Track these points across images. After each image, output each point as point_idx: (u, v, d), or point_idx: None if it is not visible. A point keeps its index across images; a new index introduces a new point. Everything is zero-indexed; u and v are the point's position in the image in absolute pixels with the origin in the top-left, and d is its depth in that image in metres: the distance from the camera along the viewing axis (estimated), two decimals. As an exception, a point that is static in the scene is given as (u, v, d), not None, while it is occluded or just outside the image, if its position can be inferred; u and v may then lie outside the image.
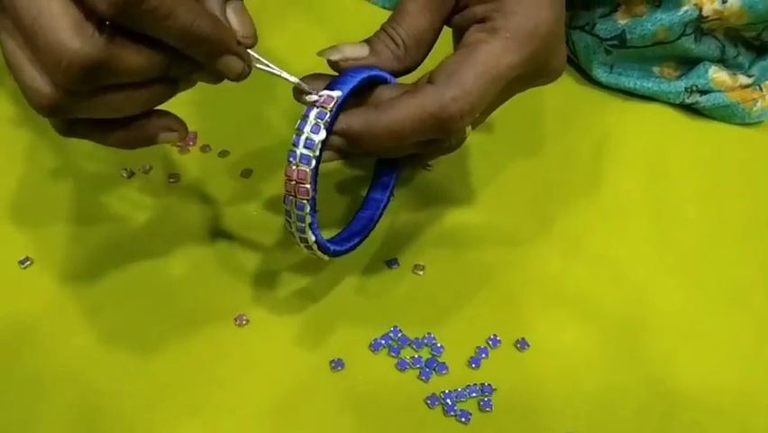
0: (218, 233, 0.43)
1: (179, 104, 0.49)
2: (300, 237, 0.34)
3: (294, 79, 0.33)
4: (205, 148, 0.47)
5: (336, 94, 0.32)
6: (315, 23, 0.53)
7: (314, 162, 0.32)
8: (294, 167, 0.32)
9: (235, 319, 0.40)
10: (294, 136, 0.32)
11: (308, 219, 0.33)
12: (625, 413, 0.38)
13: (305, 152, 0.32)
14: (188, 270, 0.41)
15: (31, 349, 0.38)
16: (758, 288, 0.43)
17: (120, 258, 0.41)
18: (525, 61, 0.34)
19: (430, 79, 0.34)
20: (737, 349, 0.40)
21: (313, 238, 0.34)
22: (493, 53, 0.33)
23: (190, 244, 0.42)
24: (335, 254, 0.37)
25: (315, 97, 0.32)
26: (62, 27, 0.27)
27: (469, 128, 0.36)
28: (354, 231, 0.39)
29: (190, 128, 0.46)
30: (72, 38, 0.27)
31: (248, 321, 0.39)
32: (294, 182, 0.32)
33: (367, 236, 0.39)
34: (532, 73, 0.35)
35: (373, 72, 0.34)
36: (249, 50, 0.32)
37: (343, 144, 0.33)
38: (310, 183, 0.32)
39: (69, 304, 0.40)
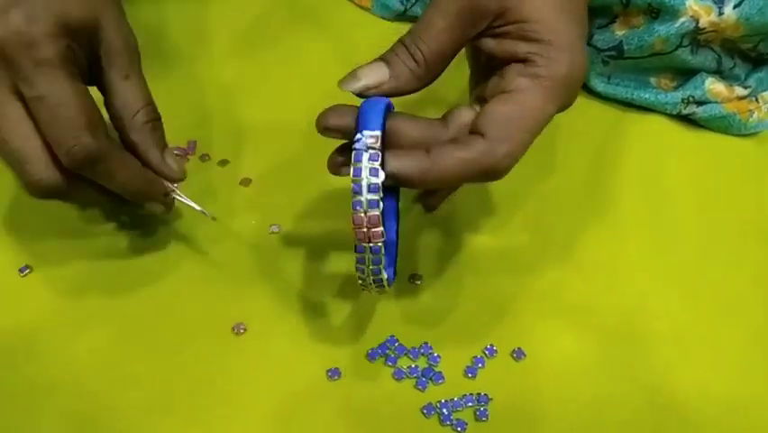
0: (216, 242, 0.43)
1: (180, 114, 0.49)
2: (375, 279, 0.34)
3: (208, 213, 0.40)
4: (204, 157, 0.47)
5: (377, 133, 0.32)
6: (319, 33, 0.53)
7: (381, 205, 0.32)
8: (362, 214, 0.32)
9: (233, 328, 0.40)
10: (353, 185, 0.32)
11: (383, 260, 0.34)
12: (621, 423, 0.38)
13: (370, 197, 0.32)
14: (187, 279, 0.41)
15: (29, 358, 0.38)
16: (755, 298, 0.43)
17: (119, 267, 0.42)
18: (561, 106, 0.35)
19: (480, 130, 0.33)
20: (734, 359, 0.40)
21: (386, 276, 0.35)
22: (538, 106, 0.34)
23: (189, 253, 0.42)
24: (391, 284, 0.36)
25: (360, 142, 0.32)
26: (34, 158, 0.35)
27: None
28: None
29: (190, 137, 0.47)
30: (39, 170, 0.35)
31: (246, 330, 0.40)
32: (366, 228, 0.32)
33: (396, 260, 0.38)
34: (558, 111, 0.36)
35: (387, 99, 0.34)
36: (175, 191, 0.40)
37: (390, 183, 0.33)
38: (382, 225, 0.32)
39: (69, 312, 0.40)
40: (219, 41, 0.53)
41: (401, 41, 0.35)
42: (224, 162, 0.47)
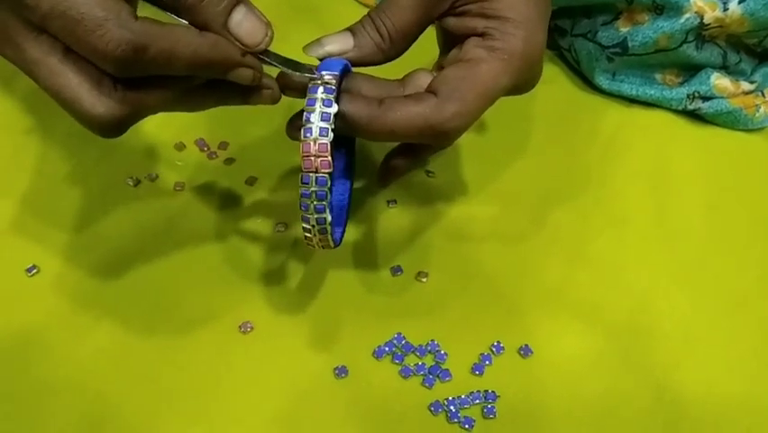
0: (223, 240, 0.43)
1: (185, 114, 0.49)
2: (318, 219, 0.34)
3: (304, 75, 0.34)
4: (211, 155, 0.47)
5: (335, 73, 0.33)
6: (322, 31, 0.53)
7: (331, 135, 0.32)
8: (311, 142, 0.32)
9: (240, 327, 0.40)
10: (305, 114, 0.33)
11: (329, 196, 0.33)
12: (628, 419, 0.38)
13: (322, 124, 0.32)
14: (194, 277, 0.41)
15: (37, 357, 0.38)
16: (762, 293, 0.42)
17: (126, 266, 0.42)
18: (517, 81, 0.36)
19: (432, 89, 0.35)
20: (741, 355, 0.40)
21: (329, 219, 0.34)
22: (492, 74, 0.35)
23: (195, 251, 0.42)
24: (336, 244, 0.36)
25: (319, 77, 0.33)
26: (82, 97, 0.30)
27: None
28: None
29: (196, 135, 0.47)
30: (94, 105, 0.30)
31: (252, 328, 0.40)
32: (314, 157, 0.32)
33: (345, 226, 0.39)
34: (516, 89, 0.37)
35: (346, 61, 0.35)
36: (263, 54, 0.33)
37: (339, 125, 0.34)
38: (330, 155, 0.32)
39: (76, 312, 0.40)
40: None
41: (368, 15, 0.36)
42: (230, 161, 0.47)
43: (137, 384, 0.38)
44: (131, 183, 0.45)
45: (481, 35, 0.35)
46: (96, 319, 0.40)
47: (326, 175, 0.33)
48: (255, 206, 0.45)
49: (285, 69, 0.34)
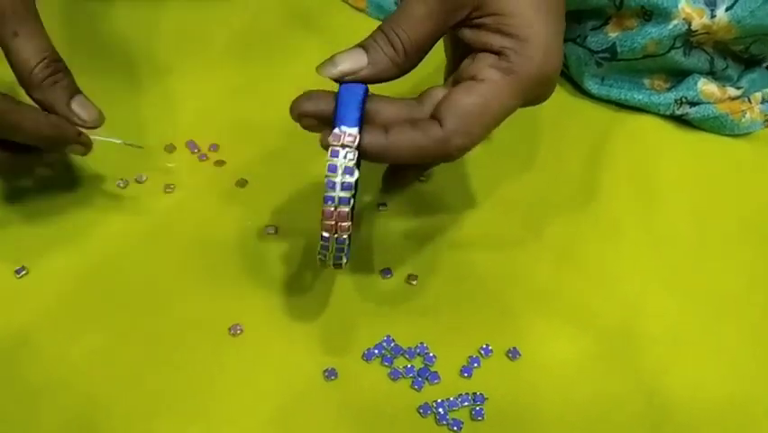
0: (213, 242, 0.43)
1: (176, 114, 0.49)
2: (335, 264, 0.36)
3: (133, 144, 0.42)
4: (202, 157, 0.47)
5: (354, 131, 0.33)
6: (314, 35, 0.53)
7: (352, 201, 0.33)
8: (332, 209, 0.33)
9: (230, 329, 0.40)
10: (326, 179, 0.33)
11: (346, 249, 0.35)
12: (617, 423, 0.38)
13: (342, 194, 0.33)
14: (183, 279, 0.41)
15: (27, 358, 0.38)
16: (750, 297, 0.43)
17: (116, 268, 0.42)
18: (526, 100, 0.35)
19: (438, 115, 0.34)
20: (730, 359, 0.40)
21: (346, 261, 0.37)
22: (502, 101, 0.34)
23: (185, 253, 0.42)
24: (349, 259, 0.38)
25: (338, 143, 0.33)
26: None
27: None
28: None
29: (187, 137, 0.47)
30: None
31: (242, 331, 0.40)
32: (334, 222, 0.33)
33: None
34: (525, 104, 0.36)
35: (365, 86, 0.34)
36: (92, 134, 0.40)
37: None
38: (350, 220, 0.34)
39: (65, 313, 0.40)
40: (215, 43, 0.53)
41: (380, 29, 0.35)
42: (220, 163, 0.47)
43: (127, 387, 0.38)
44: (121, 185, 0.45)
45: (498, 54, 0.34)
46: (87, 321, 0.40)
47: (345, 237, 0.34)
48: (246, 208, 0.45)
49: (113, 141, 0.41)
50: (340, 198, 0.33)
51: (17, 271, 0.41)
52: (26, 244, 0.42)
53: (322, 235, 0.34)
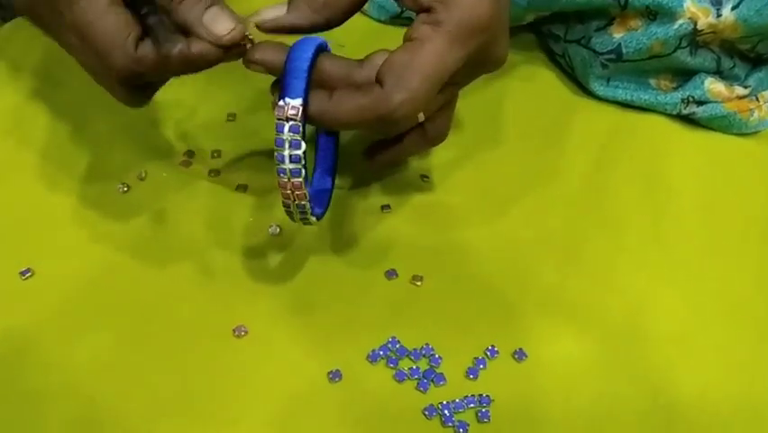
0: (216, 244, 0.43)
1: (177, 120, 0.49)
2: (304, 222, 0.38)
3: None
4: (204, 163, 0.47)
5: (298, 104, 0.33)
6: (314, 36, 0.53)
7: (303, 171, 0.34)
8: (286, 179, 0.34)
9: (234, 331, 0.40)
10: (276, 154, 0.34)
11: (308, 209, 0.36)
12: (624, 423, 0.38)
13: (292, 166, 0.34)
14: (187, 282, 0.41)
15: (31, 362, 0.38)
16: (757, 297, 0.43)
17: (120, 271, 0.42)
18: (467, 55, 0.35)
19: (380, 78, 0.34)
20: (737, 358, 0.40)
21: (314, 219, 0.38)
22: (438, 52, 0.34)
23: (188, 256, 0.42)
24: (320, 217, 0.40)
25: (282, 116, 0.33)
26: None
27: (421, 115, 0.37)
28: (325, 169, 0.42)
29: (188, 143, 0.47)
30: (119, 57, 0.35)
31: (247, 332, 0.40)
32: (290, 191, 0.35)
33: (327, 207, 0.41)
34: (475, 64, 0.36)
35: (317, 42, 0.35)
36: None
37: None
38: (305, 187, 0.35)
39: (70, 316, 0.40)
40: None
41: None
42: (218, 172, 0.46)
43: (131, 389, 0.38)
44: (123, 189, 0.45)
45: (428, 10, 0.35)
46: (90, 323, 0.40)
47: (304, 202, 0.35)
48: (248, 210, 0.45)
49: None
50: (291, 171, 0.34)
51: (22, 273, 0.41)
52: (31, 246, 0.42)
53: (283, 202, 0.36)
